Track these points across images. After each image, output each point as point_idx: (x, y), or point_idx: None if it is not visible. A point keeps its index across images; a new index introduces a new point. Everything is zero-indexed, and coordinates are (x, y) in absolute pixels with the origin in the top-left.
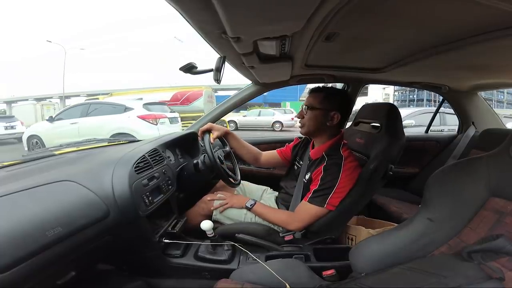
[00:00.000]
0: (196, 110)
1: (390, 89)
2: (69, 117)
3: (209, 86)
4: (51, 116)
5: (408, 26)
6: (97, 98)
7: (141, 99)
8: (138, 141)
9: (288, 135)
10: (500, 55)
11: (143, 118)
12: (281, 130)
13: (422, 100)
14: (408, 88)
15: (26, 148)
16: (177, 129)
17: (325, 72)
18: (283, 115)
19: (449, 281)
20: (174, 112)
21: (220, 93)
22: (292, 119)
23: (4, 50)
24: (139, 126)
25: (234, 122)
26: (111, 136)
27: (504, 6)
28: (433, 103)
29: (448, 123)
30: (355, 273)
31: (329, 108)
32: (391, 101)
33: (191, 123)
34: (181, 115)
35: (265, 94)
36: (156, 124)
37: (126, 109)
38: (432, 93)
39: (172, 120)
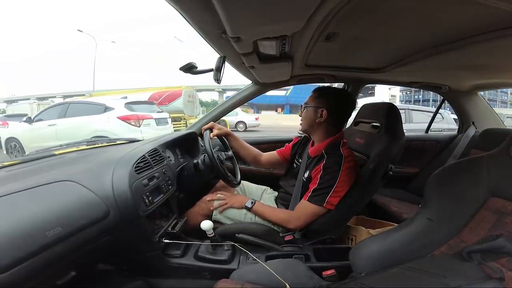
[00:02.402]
0: (175, 110)
1: (396, 90)
2: (49, 118)
3: (191, 86)
4: (29, 117)
5: (408, 26)
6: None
7: (126, 97)
8: (138, 141)
9: (288, 135)
10: (500, 55)
11: (124, 119)
12: (244, 131)
13: (428, 100)
14: (413, 89)
15: (4, 152)
16: (166, 132)
17: (325, 72)
18: (247, 115)
19: (449, 281)
20: (162, 112)
21: (229, 93)
22: (256, 119)
23: (3, 50)
24: (120, 129)
25: None
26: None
27: (504, 6)
28: (438, 103)
29: (414, 120)
30: (355, 273)
31: (319, 106)
32: (397, 102)
33: (174, 124)
34: None
35: (287, 95)
36: (139, 126)
37: (106, 109)
38: (438, 94)
39: (159, 121)
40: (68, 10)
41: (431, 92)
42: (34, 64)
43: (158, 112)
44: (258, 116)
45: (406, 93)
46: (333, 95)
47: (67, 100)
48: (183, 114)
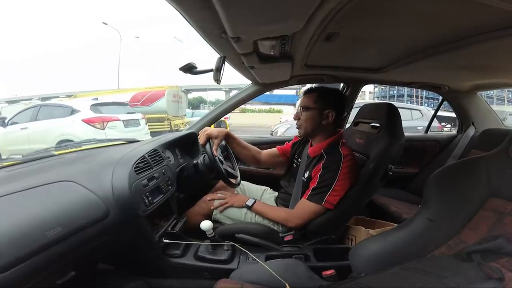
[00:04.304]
0: (159, 111)
1: (369, 86)
2: (22, 121)
3: (176, 86)
4: (3, 120)
5: (408, 26)
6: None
7: (96, 99)
8: (138, 141)
9: (287, 136)
10: (500, 55)
11: (88, 122)
12: None
13: (403, 96)
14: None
15: None
16: (138, 134)
17: (325, 72)
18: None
19: (449, 281)
20: (134, 113)
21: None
22: (226, 118)
23: (2, 50)
24: (84, 132)
25: None
26: (57, 144)
27: (504, 6)
28: (415, 98)
29: None
30: (355, 273)
31: (323, 107)
32: (367, 98)
33: (157, 125)
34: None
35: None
36: (104, 129)
37: (72, 111)
38: (414, 89)
39: (128, 123)
40: (67, 10)
41: (405, 88)
42: (38, 64)
43: (129, 113)
44: (228, 116)
45: (381, 88)
46: (333, 95)
47: (38, 102)
48: (166, 115)
